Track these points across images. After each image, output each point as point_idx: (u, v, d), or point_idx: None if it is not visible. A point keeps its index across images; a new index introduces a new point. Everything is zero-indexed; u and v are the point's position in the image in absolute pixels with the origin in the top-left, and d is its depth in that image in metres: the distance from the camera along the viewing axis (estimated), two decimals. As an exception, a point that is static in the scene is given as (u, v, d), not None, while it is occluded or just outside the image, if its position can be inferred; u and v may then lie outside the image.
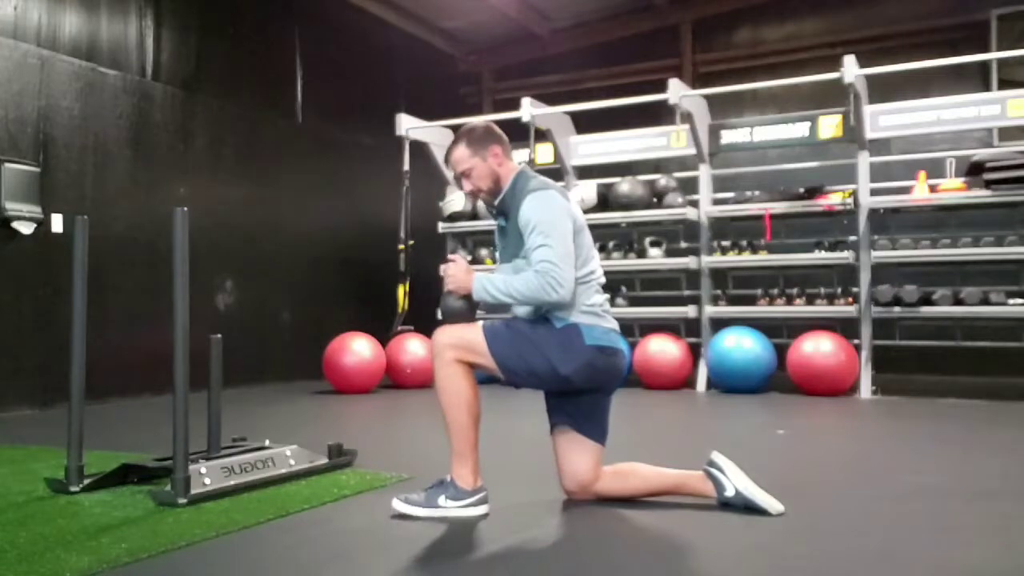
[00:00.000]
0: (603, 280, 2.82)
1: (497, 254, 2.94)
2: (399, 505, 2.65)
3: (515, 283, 2.62)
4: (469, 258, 7.75)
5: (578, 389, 2.72)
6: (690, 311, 6.89)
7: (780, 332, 6.75)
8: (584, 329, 2.66)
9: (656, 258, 7.06)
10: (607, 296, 2.85)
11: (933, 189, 6.23)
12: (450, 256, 2.81)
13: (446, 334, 2.65)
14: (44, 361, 5.49)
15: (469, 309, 2.73)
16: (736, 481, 2.66)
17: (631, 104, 7.21)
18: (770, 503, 2.62)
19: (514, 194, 2.76)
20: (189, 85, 6.83)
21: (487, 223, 7.63)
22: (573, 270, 2.63)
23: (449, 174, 2.95)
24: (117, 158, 6.19)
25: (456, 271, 2.73)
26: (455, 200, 7.75)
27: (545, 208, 2.66)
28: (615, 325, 2.79)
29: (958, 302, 5.93)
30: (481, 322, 2.70)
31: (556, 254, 2.59)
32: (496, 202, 2.83)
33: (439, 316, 2.82)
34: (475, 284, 2.67)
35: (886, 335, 6.45)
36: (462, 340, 2.64)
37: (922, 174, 6.28)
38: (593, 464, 2.78)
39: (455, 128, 8.07)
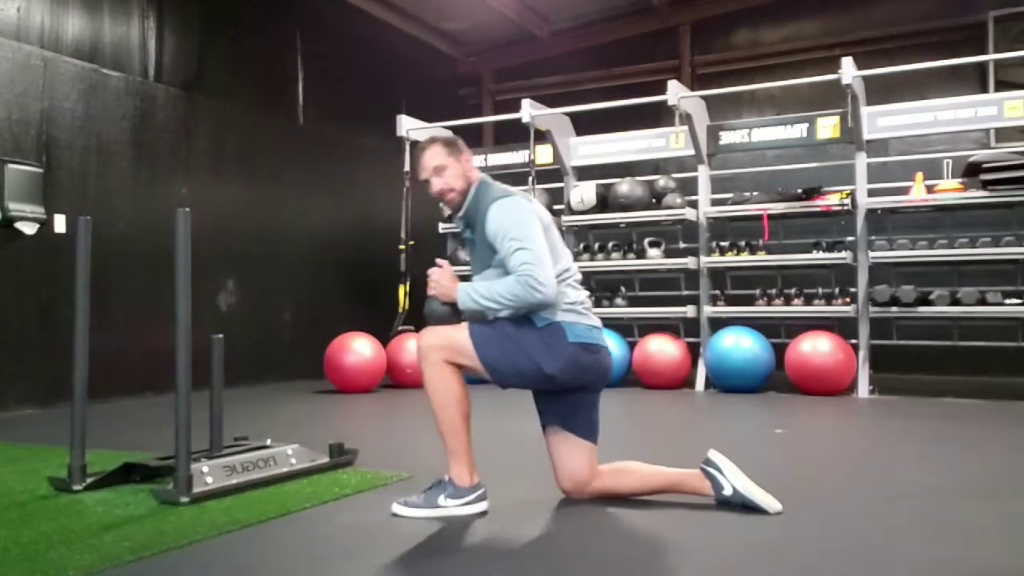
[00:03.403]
0: (579, 276, 2.84)
1: (471, 265, 2.95)
2: (399, 509, 2.66)
3: (498, 288, 2.64)
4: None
5: (564, 388, 2.73)
6: (689, 311, 6.91)
7: (778, 332, 6.77)
8: (567, 327, 2.68)
9: (655, 258, 7.08)
10: (587, 293, 2.85)
11: (930, 190, 6.24)
12: (438, 261, 2.82)
13: (432, 336, 2.67)
14: (47, 361, 5.51)
15: (454, 314, 2.76)
16: (734, 480, 2.67)
17: (630, 105, 7.24)
18: (768, 502, 2.64)
19: (477, 205, 2.78)
20: (191, 86, 6.86)
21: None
22: (552, 269, 2.65)
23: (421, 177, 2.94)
24: (119, 159, 6.22)
25: (441, 277, 2.77)
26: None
27: (511, 213, 2.69)
28: (597, 322, 2.81)
29: (955, 302, 5.94)
30: (466, 323, 2.71)
31: (533, 255, 2.61)
32: (461, 214, 2.85)
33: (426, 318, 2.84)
34: (459, 293, 2.71)
35: (883, 335, 6.46)
36: (448, 341, 2.65)
37: (919, 175, 6.30)
38: (587, 463, 2.79)
39: (455, 129, 8.16)
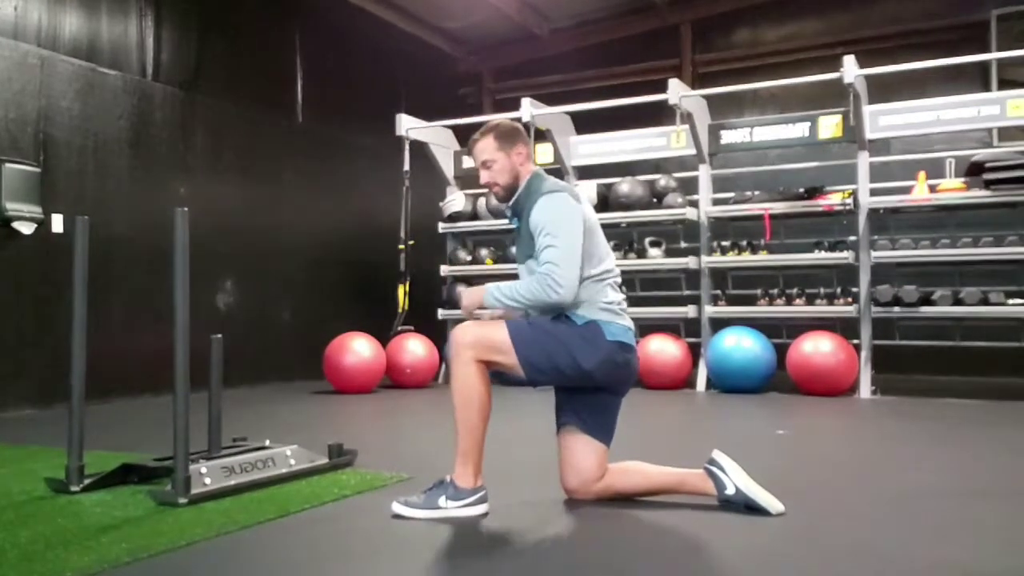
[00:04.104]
0: (619, 279, 2.87)
1: (516, 254, 2.99)
2: (399, 509, 2.65)
3: (518, 287, 2.70)
4: (468, 258, 7.77)
5: (596, 386, 2.76)
6: (690, 311, 6.90)
7: (780, 332, 6.76)
8: (603, 325, 2.71)
9: (656, 258, 7.07)
10: (624, 296, 2.89)
11: (933, 189, 6.23)
12: (460, 289, 2.92)
13: (468, 332, 2.66)
14: (44, 361, 5.49)
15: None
16: (737, 480, 2.66)
17: (631, 104, 7.21)
18: (770, 502, 2.63)
19: (528, 195, 2.81)
20: (189, 85, 6.84)
21: (487, 223, 7.64)
22: (578, 270, 2.67)
23: (467, 164, 3.00)
24: (117, 158, 6.20)
25: (467, 292, 2.84)
26: (455, 200, 7.76)
27: (554, 209, 2.71)
28: (631, 324, 2.84)
29: (957, 302, 5.93)
30: (503, 320, 2.73)
31: (559, 255, 2.64)
32: (511, 203, 2.88)
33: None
34: (485, 295, 2.76)
35: (885, 335, 6.45)
36: (484, 338, 2.65)
37: (922, 174, 6.29)
38: (597, 463, 2.79)
39: (455, 128, 8.15)
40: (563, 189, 2.80)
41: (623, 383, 2.83)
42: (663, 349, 6.67)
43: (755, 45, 8.81)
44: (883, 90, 6.66)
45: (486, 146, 2.86)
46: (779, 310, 6.61)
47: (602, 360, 2.69)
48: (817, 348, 6.09)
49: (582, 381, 2.73)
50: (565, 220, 2.69)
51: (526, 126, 7.21)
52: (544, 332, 2.69)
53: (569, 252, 2.65)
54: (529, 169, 2.87)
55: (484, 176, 2.87)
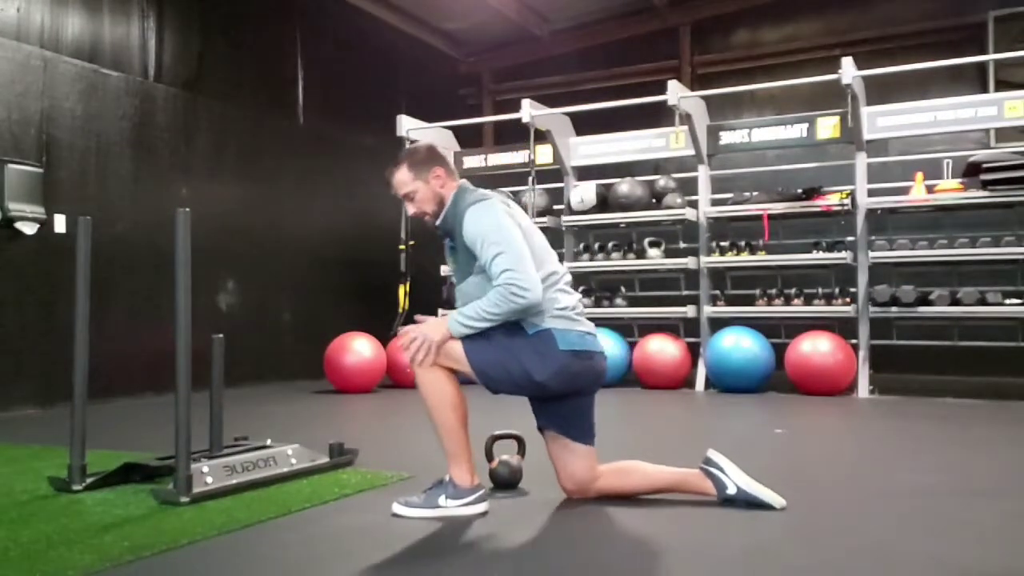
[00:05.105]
0: (569, 279, 2.79)
1: (452, 276, 2.92)
2: (400, 509, 2.66)
3: (483, 306, 2.60)
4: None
5: (556, 394, 2.71)
6: (689, 311, 6.91)
7: (778, 332, 6.77)
8: (557, 334, 2.64)
9: (655, 258, 7.08)
10: (579, 296, 2.81)
11: (930, 190, 6.24)
12: (418, 318, 2.73)
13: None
14: (47, 361, 5.51)
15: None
16: (737, 479, 2.67)
17: (630, 105, 7.24)
18: (773, 498, 2.64)
19: (455, 213, 2.75)
20: (191, 86, 6.86)
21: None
22: (534, 268, 2.60)
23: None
24: (119, 159, 6.22)
25: (418, 331, 2.63)
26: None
27: (486, 217, 2.66)
28: (590, 327, 2.76)
29: (955, 302, 5.94)
30: None
31: (511, 259, 2.58)
32: (439, 223, 2.81)
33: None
34: (449, 324, 2.63)
35: (883, 335, 6.46)
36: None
37: (919, 175, 6.30)
38: (587, 465, 2.78)
39: (455, 129, 8.17)
40: (489, 197, 2.76)
41: (587, 386, 2.76)
42: (662, 349, 6.68)
43: (754, 46, 8.82)
44: (881, 91, 6.67)
45: (403, 179, 2.81)
46: (778, 310, 6.63)
47: (555, 372, 2.62)
48: (815, 348, 6.11)
49: (538, 392, 2.69)
50: (501, 226, 2.64)
51: (526, 127, 7.24)
52: (497, 342, 2.62)
53: (519, 253, 2.59)
54: (452, 187, 2.81)
55: (410, 209, 2.83)
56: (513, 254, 2.59)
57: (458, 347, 2.62)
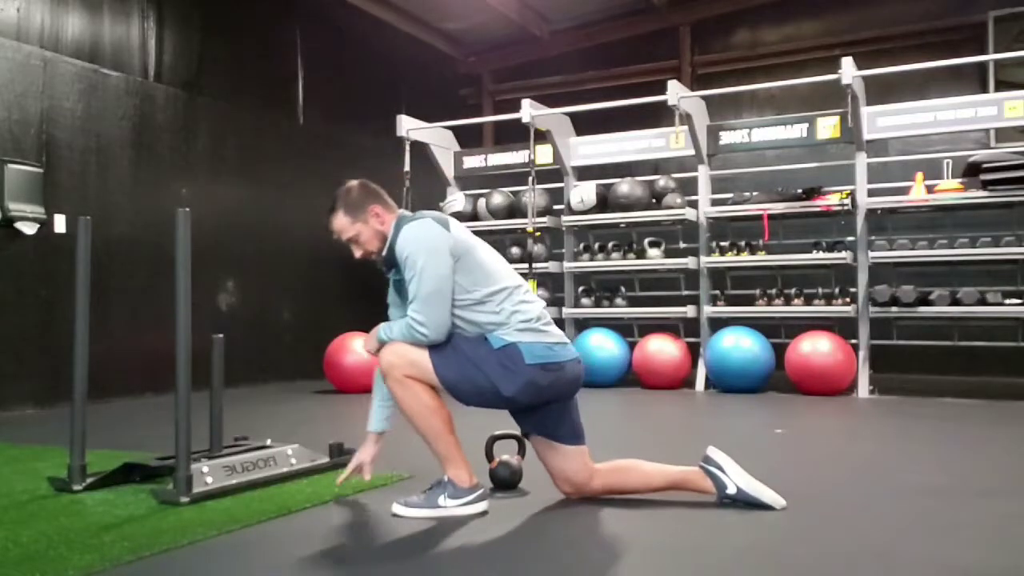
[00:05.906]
0: (527, 289, 2.74)
1: (391, 310, 2.94)
2: (400, 509, 2.66)
3: (394, 328, 2.67)
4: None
5: (528, 406, 2.69)
6: (689, 311, 6.92)
7: (778, 332, 6.78)
8: (524, 348, 2.60)
9: (655, 258, 7.09)
10: (543, 304, 2.77)
11: (930, 190, 6.24)
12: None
13: (391, 354, 2.64)
14: (47, 361, 5.51)
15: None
16: (737, 479, 2.67)
17: (630, 105, 7.23)
18: (773, 498, 2.64)
19: (394, 245, 2.71)
20: (191, 86, 6.86)
21: (487, 224, 7.65)
22: (444, 306, 2.60)
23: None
24: (119, 159, 6.22)
25: (370, 334, 2.78)
26: (455, 201, 7.78)
27: (412, 240, 2.64)
28: (559, 337, 2.71)
29: (955, 302, 5.95)
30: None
31: (422, 294, 2.59)
32: (384, 254, 2.77)
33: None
34: (378, 333, 2.72)
35: (883, 335, 6.47)
36: (407, 359, 2.63)
37: (919, 175, 6.30)
38: (579, 466, 2.77)
39: (455, 129, 8.17)
40: (423, 216, 2.72)
41: (561, 395, 2.71)
42: (662, 349, 6.68)
43: (754, 46, 8.82)
44: (881, 91, 6.68)
45: (341, 224, 2.77)
46: (778, 310, 6.63)
47: (522, 386, 2.59)
48: (815, 348, 6.11)
49: (506, 406, 2.68)
50: (423, 250, 2.60)
51: (526, 127, 7.24)
52: (464, 356, 2.62)
53: (432, 288, 2.58)
54: (391, 219, 2.77)
55: (356, 252, 2.81)
56: (426, 287, 2.59)
57: (426, 361, 2.61)
